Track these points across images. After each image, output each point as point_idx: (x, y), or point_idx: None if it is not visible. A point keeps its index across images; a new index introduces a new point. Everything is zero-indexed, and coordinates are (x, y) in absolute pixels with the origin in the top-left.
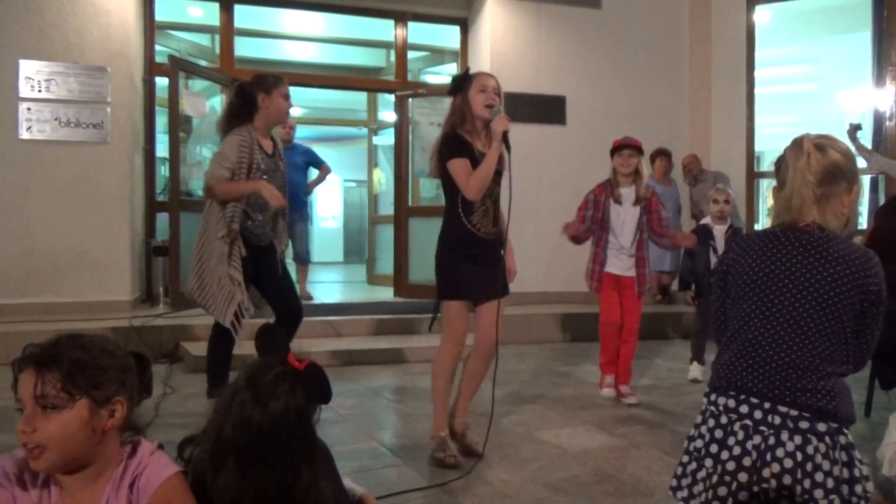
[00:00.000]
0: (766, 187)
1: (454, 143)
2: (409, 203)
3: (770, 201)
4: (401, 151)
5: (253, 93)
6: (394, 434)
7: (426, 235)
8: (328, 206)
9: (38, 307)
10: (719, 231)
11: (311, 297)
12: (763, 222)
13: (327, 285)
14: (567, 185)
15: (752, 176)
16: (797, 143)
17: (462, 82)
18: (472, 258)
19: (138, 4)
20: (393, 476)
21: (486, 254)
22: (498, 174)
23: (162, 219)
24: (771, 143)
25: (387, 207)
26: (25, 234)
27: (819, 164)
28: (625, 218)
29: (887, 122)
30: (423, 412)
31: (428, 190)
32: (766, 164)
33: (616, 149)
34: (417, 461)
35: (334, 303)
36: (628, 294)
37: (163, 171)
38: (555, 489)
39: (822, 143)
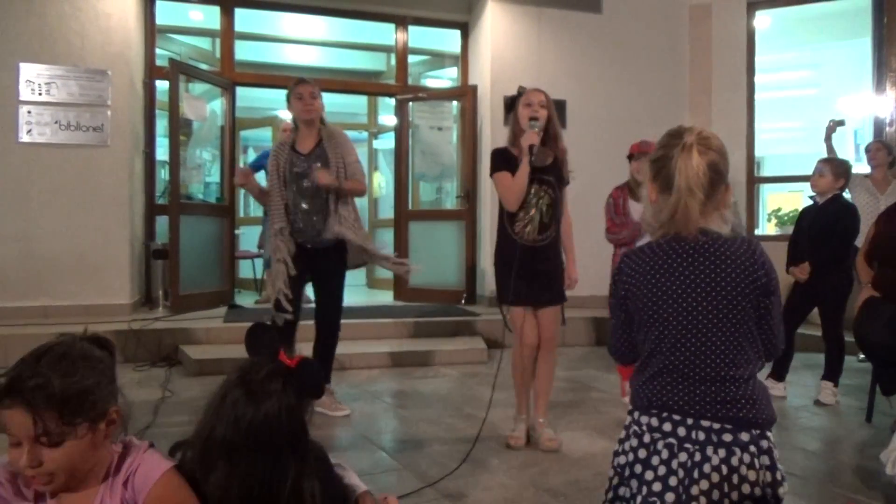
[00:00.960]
0: (768, 192)
1: (499, 158)
2: (410, 207)
3: (769, 206)
4: (401, 155)
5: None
6: (393, 438)
7: (426, 239)
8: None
9: (37, 310)
10: None
11: (310, 301)
12: (763, 228)
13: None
14: (568, 188)
15: (753, 181)
16: (685, 150)
17: (514, 101)
18: (518, 265)
19: (139, 8)
20: (392, 480)
21: (532, 260)
22: (545, 184)
23: (161, 222)
24: (771, 148)
25: (387, 211)
26: (25, 237)
27: (706, 176)
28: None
29: (887, 128)
30: (422, 416)
31: (428, 194)
32: (767, 170)
33: (632, 155)
34: (417, 465)
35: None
36: None
37: (163, 174)
38: (555, 493)
39: (704, 148)
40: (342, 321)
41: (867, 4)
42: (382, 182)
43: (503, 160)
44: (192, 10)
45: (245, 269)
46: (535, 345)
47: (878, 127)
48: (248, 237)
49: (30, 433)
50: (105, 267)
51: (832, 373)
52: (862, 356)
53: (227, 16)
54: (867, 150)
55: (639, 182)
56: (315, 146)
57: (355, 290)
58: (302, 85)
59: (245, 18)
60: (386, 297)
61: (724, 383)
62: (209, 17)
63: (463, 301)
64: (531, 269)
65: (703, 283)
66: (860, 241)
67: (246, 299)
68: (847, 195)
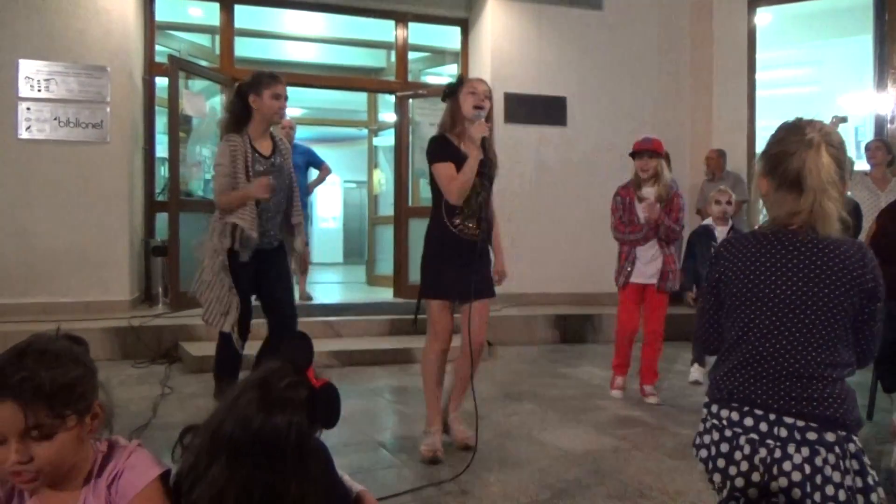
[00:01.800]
0: None
1: (439, 146)
2: (409, 204)
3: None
4: (401, 152)
5: (246, 93)
6: (393, 435)
7: None
8: (328, 207)
9: (36, 307)
10: (721, 232)
11: (310, 298)
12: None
13: (327, 286)
14: (567, 186)
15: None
16: (815, 148)
17: (455, 88)
18: (452, 259)
19: (138, 4)
20: (392, 477)
21: (467, 255)
22: (487, 178)
23: (161, 219)
24: None
25: (387, 208)
26: (24, 234)
27: (838, 174)
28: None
29: (888, 125)
30: (422, 413)
31: (428, 191)
32: None
33: (636, 153)
34: (416, 462)
35: (334, 303)
36: (650, 295)
37: (162, 171)
38: (555, 491)
39: (828, 145)
40: (343, 318)
41: (868, 1)
42: (382, 179)
43: (443, 149)
44: (192, 7)
45: None
46: (449, 344)
47: (879, 124)
48: None
49: (19, 427)
50: (105, 264)
51: None
52: None
53: (227, 12)
54: (867, 148)
55: (643, 179)
56: (273, 147)
57: (355, 288)
58: (280, 83)
59: (245, 15)
60: (386, 294)
61: (812, 380)
62: (209, 13)
63: None
64: (468, 263)
65: (805, 276)
66: (862, 238)
67: None
68: (848, 192)
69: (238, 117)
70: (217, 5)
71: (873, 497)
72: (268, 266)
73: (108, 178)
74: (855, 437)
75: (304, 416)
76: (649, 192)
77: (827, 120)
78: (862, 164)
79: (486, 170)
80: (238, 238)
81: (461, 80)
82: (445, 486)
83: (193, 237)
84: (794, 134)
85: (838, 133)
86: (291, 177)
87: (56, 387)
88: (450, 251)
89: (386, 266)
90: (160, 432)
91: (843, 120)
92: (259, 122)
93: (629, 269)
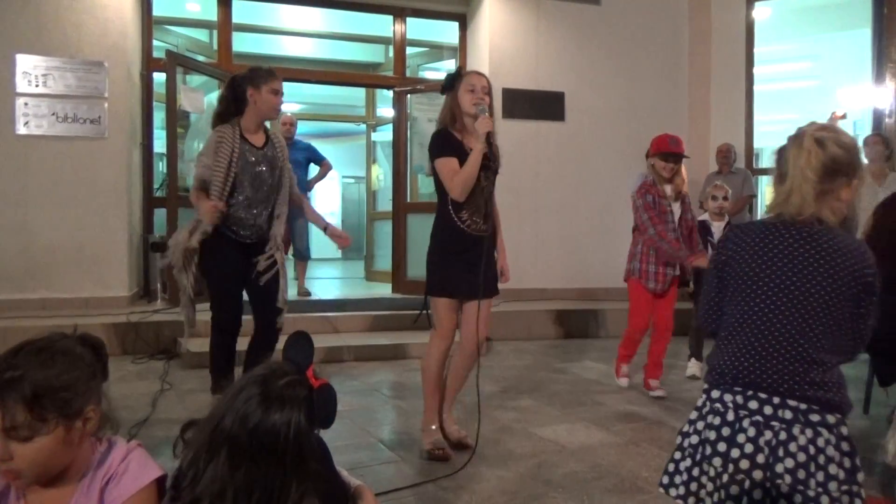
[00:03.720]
0: (766, 184)
1: (443, 142)
2: (408, 199)
3: (769, 197)
4: (399, 147)
5: (243, 87)
6: (391, 430)
7: (425, 232)
8: (326, 203)
9: (35, 303)
10: (717, 227)
11: (309, 294)
12: (758, 215)
13: (325, 281)
14: (566, 181)
15: (752, 173)
16: (798, 138)
17: (453, 81)
18: (460, 256)
19: None
20: (390, 472)
21: (474, 252)
22: (492, 172)
23: (159, 214)
24: (770, 139)
25: (385, 204)
26: (22, 230)
27: (819, 161)
28: (671, 213)
29: (887, 119)
30: (420, 408)
31: (426, 186)
32: (766, 161)
33: (662, 154)
34: (415, 457)
35: (332, 299)
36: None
37: (160, 166)
38: (553, 485)
39: (822, 138)
40: (341, 314)
41: None
42: (381, 174)
43: (447, 144)
44: (190, 2)
45: None
46: (452, 342)
47: (878, 118)
48: None
49: (1, 426)
50: (103, 259)
51: None
52: None
53: (225, 7)
54: (865, 143)
55: (666, 179)
56: (266, 142)
57: (353, 283)
58: (278, 80)
59: (243, 10)
60: (384, 290)
61: (813, 365)
62: (206, 8)
63: None
64: (476, 260)
65: (810, 265)
66: (859, 234)
67: None
68: None
69: (230, 109)
70: (215, 0)
71: (859, 476)
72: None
73: (106, 174)
74: (846, 421)
75: (304, 414)
76: (669, 188)
77: (826, 115)
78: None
79: (491, 164)
80: (199, 232)
81: (459, 72)
82: (443, 481)
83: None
84: (793, 139)
85: (846, 134)
86: (283, 171)
87: (40, 389)
88: (458, 247)
89: (384, 262)
90: (159, 428)
91: (843, 117)
92: (253, 115)
93: (653, 268)
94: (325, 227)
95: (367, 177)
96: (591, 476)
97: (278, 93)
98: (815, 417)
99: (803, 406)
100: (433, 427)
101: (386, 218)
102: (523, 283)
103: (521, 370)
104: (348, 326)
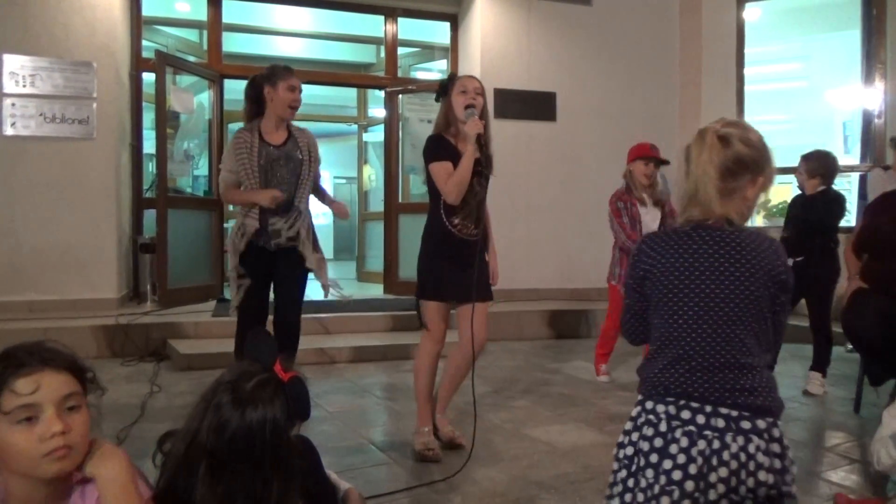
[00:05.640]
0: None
1: (436, 145)
2: (400, 200)
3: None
4: (391, 148)
5: (261, 85)
6: (383, 432)
7: (416, 232)
8: (318, 203)
9: (23, 305)
10: None
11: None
12: (752, 219)
13: (317, 282)
14: (557, 181)
15: None
16: (701, 134)
17: (446, 86)
18: (451, 259)
19: None
20: (382, 474)
21: (466, 255)
22: (483, 177)
23: (149, 215)
24: None
25: (377, 204)
26: (10, 232)
27: (720, 158)
28: (647, 220)
29: (876, 120)
30: (412, 410)
31: (418, 187)
32: None
33: (642, 158)
34: (407, 459)
35: (324, 300)
36: None
37: (150, 167)
38: (544, 487)
39: (727, 135)
40: (333, 315)
41: None
42: (372, 175)
43: (440, 148)
44: (179, 2)
45: None
46: (443, 345)
47: (867, 119)
48: None
49: (60, 394)
50: (92, 261)
51: (820, 363)
52: (850, 347)
53: (215, 7)
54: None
55: (645, 186)
56: (287, 139)
57: (345, 284)
58: (294, 76)
59: (233, 10)
60: (376, 291)
61: (742, 370)
62: (196, 8)
63: None
64: (467, 263)
65: (726, 270)
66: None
67: None
68: (847, 188)
69: (252, 110)
70: (205, 0)
71: (788, 477)
72: (281, 265)
73: (95, 175)
74: (779, 422)
75: (279, 410)
76: (647, 194)
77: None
78: (851, 160)
79: (483, 168)
80: (247, 236)
81: (452, 78)
82: (435, 483)
83: (182, 234)
84: (697, 135)
85: (754, 131)
86: (302, 166)
87: (78, 362)
88: (449, 251)
89: (376, 262)
90: (148, 430)
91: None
92: (272, 114)
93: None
94: (331, 202)
95: (358, 177)
96: (582, 477)
97: (295, 89)
98: (746, 424)
99: (734, 413)
100: (426, 429)
101: (378, 218)
102: (515, 284)
103: (512, 370)
104: (339, 327)
